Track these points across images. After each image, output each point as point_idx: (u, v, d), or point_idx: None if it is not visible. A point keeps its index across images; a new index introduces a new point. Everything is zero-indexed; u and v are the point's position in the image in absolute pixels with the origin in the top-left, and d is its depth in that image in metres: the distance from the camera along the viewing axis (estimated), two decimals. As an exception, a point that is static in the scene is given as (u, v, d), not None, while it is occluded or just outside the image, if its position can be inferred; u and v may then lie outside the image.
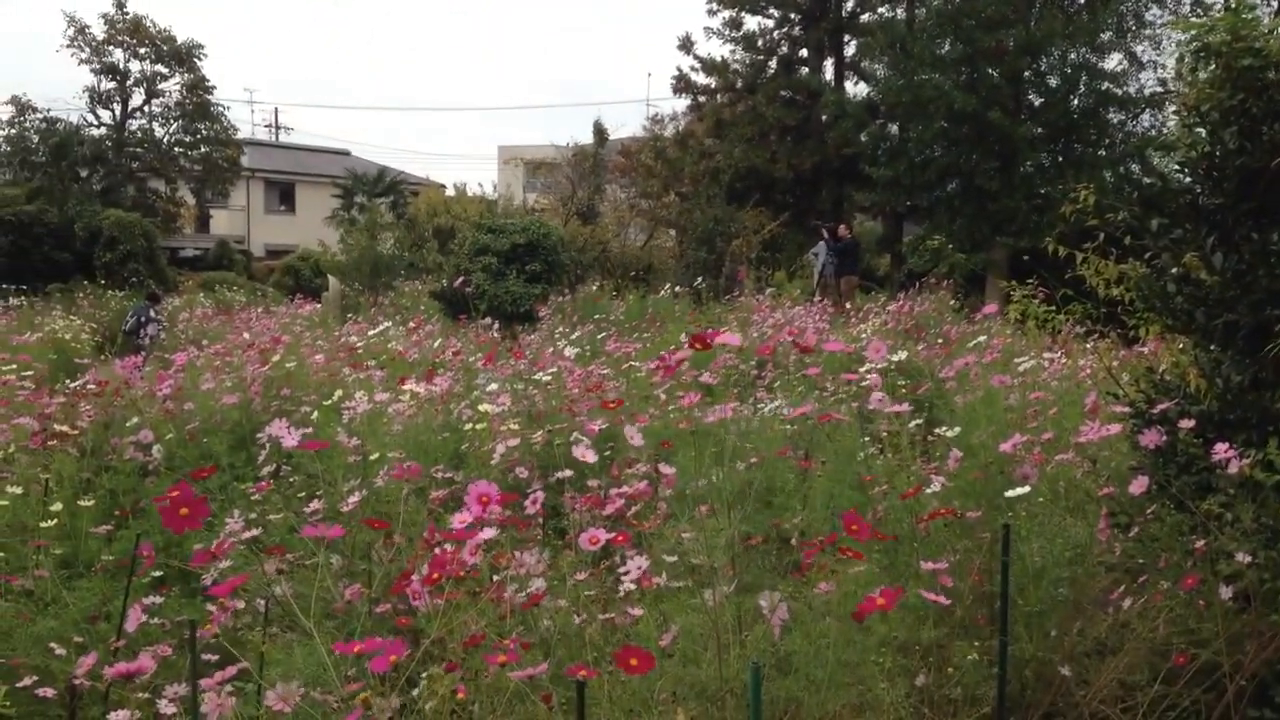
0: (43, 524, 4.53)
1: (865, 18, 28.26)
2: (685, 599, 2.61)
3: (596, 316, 15.36)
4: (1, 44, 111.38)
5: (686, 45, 28.16)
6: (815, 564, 2.93)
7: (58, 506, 4.62)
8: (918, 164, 23.11)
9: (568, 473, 3.37)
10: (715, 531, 2.37)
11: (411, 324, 13.70)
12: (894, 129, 24.85)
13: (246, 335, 12.86)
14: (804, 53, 28.84)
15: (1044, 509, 3.55)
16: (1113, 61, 23.51)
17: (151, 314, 17.01)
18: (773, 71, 28.54)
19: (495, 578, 2.95)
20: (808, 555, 3.08)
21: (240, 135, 39.81)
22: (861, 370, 4.73)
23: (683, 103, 29.76)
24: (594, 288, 20.83)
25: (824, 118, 27.07)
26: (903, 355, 5.84)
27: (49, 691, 3.24)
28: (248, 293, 28.47)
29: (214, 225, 44.41)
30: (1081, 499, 4.03)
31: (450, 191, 42.11)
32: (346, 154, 52.64)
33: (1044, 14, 22.65)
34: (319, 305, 21.45)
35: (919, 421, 4.17)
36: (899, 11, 26.84)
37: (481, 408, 6.22)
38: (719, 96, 28.71)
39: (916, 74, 22.49)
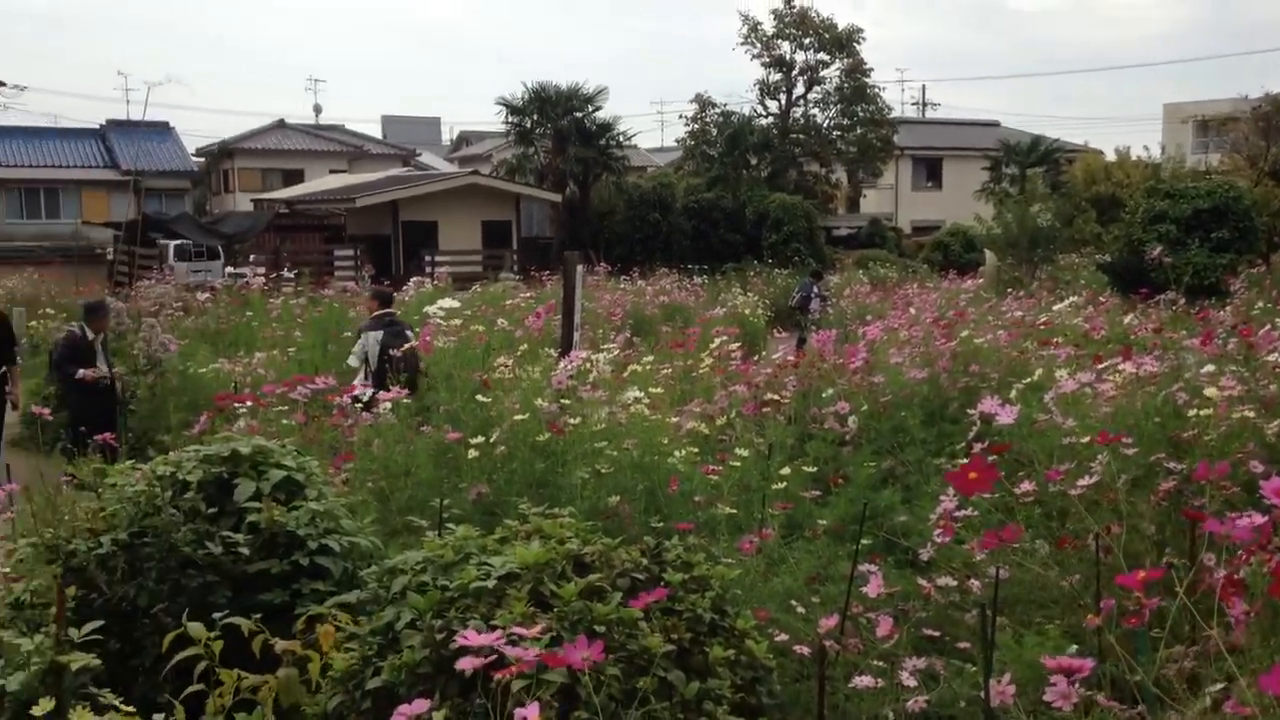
0: (774, 486, 4.77)
1: None
2: None
3: (1306, 290, 13.18)
4: (691, 50, 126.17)
5: None
6: None
7: (786, 471, 4.85)
8: None
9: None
10: None
11: (1082, 298, 12.87)
12: None
13: (912, 310, 12.98)
14: None
15: None
16: None
17: (816, 289, 17.95)
18: None
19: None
20: None
21: (890, 115, 40.67)
22: None
23: None
24: (1296, 256, 18.01)
25: None
26: None
27: (804, 649, 3.35)
28: (898, 269, 29.07)
29: (864, 204, 45.99)
30: None
31: (1110, 157, 39.28)
32: (995, 125, 51.53)
33: None
34: (976, 280, 21.15)
35: None
36: None
37: (1207, 392, 5.49)
38: None
39: None
